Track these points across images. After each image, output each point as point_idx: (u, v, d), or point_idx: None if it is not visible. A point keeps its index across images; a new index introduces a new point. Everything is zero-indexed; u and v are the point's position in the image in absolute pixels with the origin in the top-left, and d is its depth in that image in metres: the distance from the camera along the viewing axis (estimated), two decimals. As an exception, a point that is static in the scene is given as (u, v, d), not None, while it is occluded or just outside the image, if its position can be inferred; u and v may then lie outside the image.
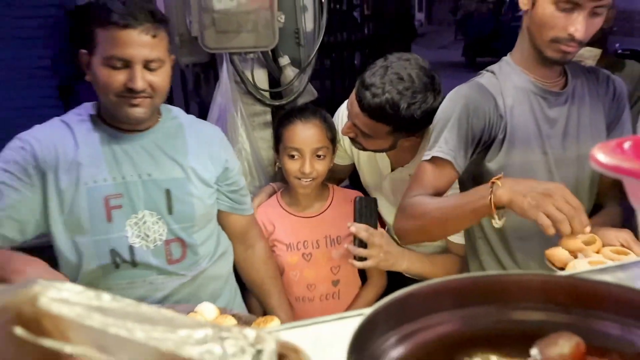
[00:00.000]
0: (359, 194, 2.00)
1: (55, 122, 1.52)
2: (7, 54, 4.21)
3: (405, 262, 1.72)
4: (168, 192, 1.50)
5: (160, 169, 1.50)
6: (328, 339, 0.69)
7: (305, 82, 2.17)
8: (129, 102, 1.40)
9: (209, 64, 2.19)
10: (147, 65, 1.39)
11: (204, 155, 1.57)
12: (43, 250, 1.63)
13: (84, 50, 1.43)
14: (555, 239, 1.31)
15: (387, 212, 1.95)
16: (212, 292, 1.61)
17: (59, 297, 0.46)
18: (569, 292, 0.61)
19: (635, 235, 1.42)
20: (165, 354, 0.46)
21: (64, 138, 1.47)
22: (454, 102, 1.49)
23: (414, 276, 1.81)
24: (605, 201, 1.59)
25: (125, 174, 1.47)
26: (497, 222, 1.27)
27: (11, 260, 1.27)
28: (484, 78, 1.54)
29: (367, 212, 1.69)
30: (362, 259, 1.65)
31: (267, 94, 2.16)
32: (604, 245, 1.33)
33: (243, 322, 1.37)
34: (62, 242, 1.47)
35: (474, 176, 1.54)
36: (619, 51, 4.93)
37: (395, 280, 1.94)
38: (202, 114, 2.25)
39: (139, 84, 1.37)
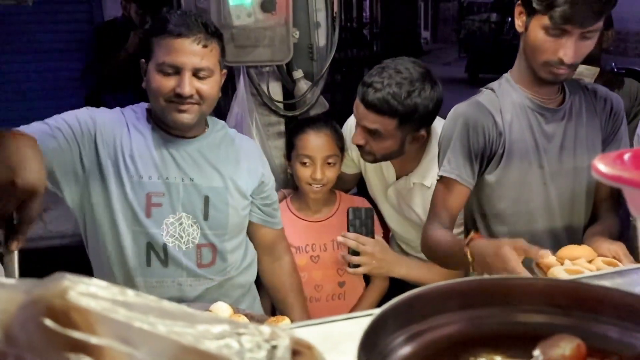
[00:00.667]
0: (364, 200, 2.01)
1: (117, 111, 1.55)
2: (39, 66, 4.27)
3: (402, 268, 1.71)
4: (207, 199, 1.51)
5: (202, 175, 1.52)
6: (338, 337, 0.69)
7: (317, 95, 2.17)
8: (177, 108, 1.43)
9: (227, 77, 2.20)
10: (196, 73, 1.42)
11: (243, 168, 1.58)
12: (76, 250, 1.65)
13: (143, 60, 1.48)
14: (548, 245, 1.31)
15: (392, 219, 1.94)
16: (235, 299, 1.60)
17: (87, 291, 0.46)
18: (571, 296, 0.60)
19: (630, 246, 1.40)
20: (185, 347, 0.46)
21: (122, 128, 1.49)
22: (453, 122, 1.49)
23: (413, 282, 1.79)
24: (602, 212, 1.57)
25: (170, 175, 1.49)
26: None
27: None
28: (483, 96, 1.53)
29: (359, 222, 1.69)
30: (356, 266, 1.64)
31: (281, 105, 2.16)
32: (598, 255, 1.32)
33: (256, 321, 1.37)
34: (102, 228, 1.46)
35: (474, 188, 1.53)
36: (614, 70, 4.90)
37: (398, 282, 1.93)
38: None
39: (187, 90, 1.40)
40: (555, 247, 1.55)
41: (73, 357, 0.41)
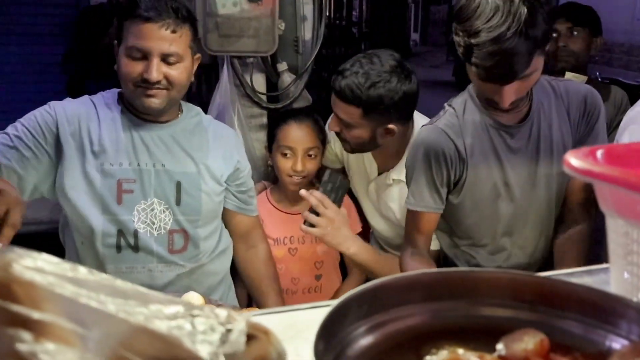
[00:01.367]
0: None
1: (85, 99, 1.53)
2: (22, 49, 4.20)
3: (353, 246, 1.67)
4: (179, 184, 1.50)
5: (174, 161, 1.51)
6: (302, 325, 0.67)
7: (301, 88, 2.16)
8: (145, 92, 1.42)
9: (210, 66, 2.17)
10: (164, 59, 1.41)
11: (218, 154, 1.58)
12: (52, 236, 1.62)
13: (115, 42, 1.47)
14: None
15: (372, 216, 1.93)
16: (208, 287, 1.59)
17: (34, 265, 0.44)
18: (536, 290, 0.59)
19: (603, 245, 1.40)
20: (135, 327, 0.44)
21: (90, 117, 1.48)
22: (415, 151, 1.49)
23: (359, 267, 1.77)
24: (575, 217, 1.53)
25: (141, 161, 1.48)
26: None
27: None
28: (445, 118, 1.48)
29: (332, 185, 1.65)
30: (312, 226, 1.61)
31: (264, 97, 2.14)
32: None
33: (227, 311, 1.35)
34: (72, 215, 1.46)
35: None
36: (599, 79, 4.93)
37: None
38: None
39: (154, 76, 1.39)
40: (528, 258, 1.56)
41: (11, 331, 0.39)
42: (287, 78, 2.15)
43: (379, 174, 1.83)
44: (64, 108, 1.47)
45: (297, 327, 0.66)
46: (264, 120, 2.17)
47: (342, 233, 1.65)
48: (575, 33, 2.23)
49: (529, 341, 0.55)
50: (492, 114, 1.44)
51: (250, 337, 0.49)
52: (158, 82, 1.41)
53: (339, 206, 1.65)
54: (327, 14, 2.21)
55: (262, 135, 2.15)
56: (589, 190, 1.51)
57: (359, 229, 1.98)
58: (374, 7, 6.10)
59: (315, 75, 2.22)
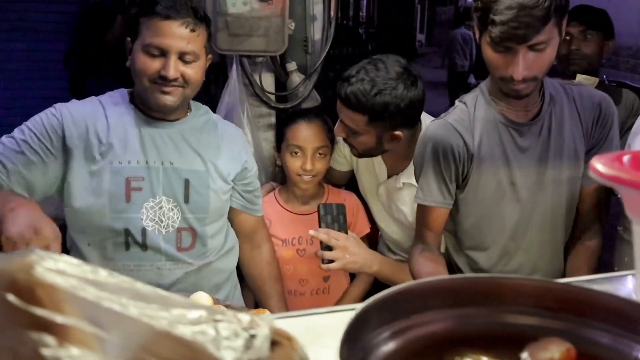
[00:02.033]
0: (351, 194, 1.99)
1: (92, 100, 1.53)
2: (27, 46, 4.20)
3: (375, 265, 1.69)
4: (187, 182, 1.50)
5: (182, 159, 1.50)
6: (319, 330, 0.67)
7: (310, 88, 2.14)
8: (161, 89, 1.42)
9: (219, 65, 2.17)
10: (182, 57, 1.41)
11: (226, 153, 1.58)
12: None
13: (128, 39, 1.47)
14: None
15: (381, 219, 1.92)
16: (214, 285, 1.59)
17: (55, 267, 0.43)
18: (562, 298, 0.58)
19: (616, 256, 1.39)
20: (158, 331, 0.43)
21: (97, 117, 1.47)
22: (423, 146, 1.48)
23: (384, 280, 1.77)
24: (585, 226, 1.52)
25: (149, 159, 1.47)
26: None
27: (7, 201, 1.24)
28: (455, 113, 1.48)
29: (332, 217, 1.67)
30: (330, 262, 1.61)
31: (272, 97, 2.13)
32: None
33: (235, 312, 1.34)
34: (79, 216, 1.45)
35: None
36: (605, 83, 4.90)
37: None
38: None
39: (172, 73, 1.39)
40: (534, 264, 1.53)
41: (35, 335, 0.38)
42: (296, 78, 2.13)
43: (389, 176, 1.83)
44: (70, 110, 1.47)
45: (314, 332, 0.65)
46: (272, 119, 2.16)
47: (361, 256, 1.65)
48: (588, 36, 2.22)
49: (555, 350, 0.54)
50: (503, 110, 1.43)
51: (273, 343, 0.48)
52: (175, 80, 1.41)
53: (346, 232, 1.65)
54: (334, 14, 2.20)
55: (270, 135, 2.14)
56: (600, 198, 1.50)
57: (368, 231, 1.97)
58: (381, 8, 6.09)
59: (321, 75, 2.21)
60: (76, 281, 0.43)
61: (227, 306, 1.36)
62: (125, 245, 1.46)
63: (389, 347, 0.56)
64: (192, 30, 1.41)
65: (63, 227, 1.58)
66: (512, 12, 1.23)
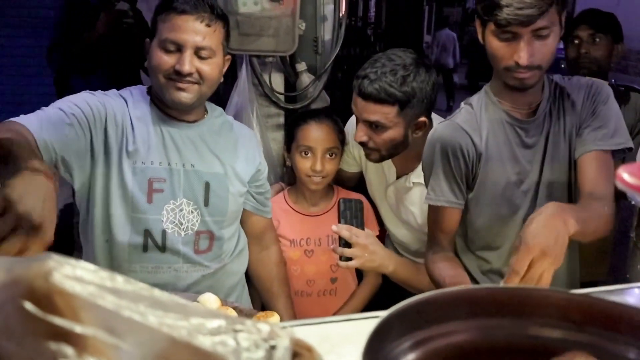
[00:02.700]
0: (361, 196, 1.97)
1: (117, 95, 1.49)
2: (34, 42, 4.19)
3: (391, 265, 1.67)
4: (207, 185, 1.49)
5: (203, 161, 1.49)
6: (336, 339, 0.65)
7: (319, 89, 2.13)
8: (176, 85, 1.40)
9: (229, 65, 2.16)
10: (197, 53, 1.40)
11: (242, 155, 1.57)
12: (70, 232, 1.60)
13: (147, 40, 1.46)
14: None
15: (389, 220, 1.91)
16: (228, 287, 1.58)
17: (73, 274, 0.42)
18: (586, 310, 0.57)
19: (628, 264, 1.36)
20: (177, 341, 0.42)
21: (124, 114, 1.45)
22: (432, 147, 1.48)
23: (399, 282, 1.75)
24: (589, 195, 1.40)
25: (171, 161, 1.46)
26: None
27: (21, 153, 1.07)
28: (461, 114, 1.49)
29: (351, 213, 1.64)
30: (348, 259, 1.59)
31: (282, 97, 2.12)
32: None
33: (244, 315, 1.33)
34: (99, 213, 1.44)
35: None
36: (615, 86, 4.86)
37: (390, 280, 1.90)
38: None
39: (186, 68, 1.37)
40: None
41: (53, 345, 0.37)
42: (305, 78, 2.12)
43: (398, 177, 1.81)
44: (110, 102, 1.43)
45: (331, 341, 0.64)
46: (281, 120, 2.15)
47: (379, 255, 1.64)
48: (597, 40, 2.22)
49: (581, 364, 0.53)
50: (508, 109, 1.45)
51: (294, 355, 0.46)
52: (190, 75, 1.39)
53: (363, 228, 1.64)
54: (344, 14, 2.19)
55: (278, 135, 2.13)
56: (600, 167, 1.44)
57: (376, 233, 1.95)
58: (390, 9, 6.06)
59: (330, 76, 2.19)
60: (94, 288, 0.42)
61: (235, 308, 1.35)
62: (144, 247, 1.44)
63: (410, 357, 0.54)
64: (208, 25, 1.40)
65: (64, 228, 1.57)
66: None
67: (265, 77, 2.07)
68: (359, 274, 1.98)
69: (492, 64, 1.41)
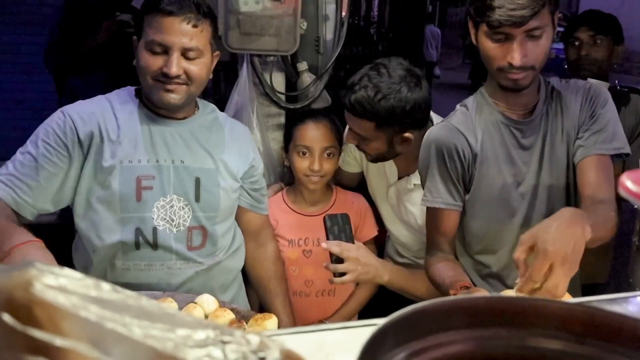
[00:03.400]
0: (360, 196, 1.96)
1: (100, 99, 1.51)
2: (40, 39, 4.18)
3: (386, 274, 1.65)
4: (198, 181, 1.48)
5: (192, 157, 1.49)
6: (330, 347, 0.64)
7: (320, 89, 2.11)
8: (164, 87, 1.40)
9: (229, 63, 2.14)
10: (185, 54, 1.39)
11: (234, 151, 1.56)
12: (62, 227, 1.60)
13: (135, 37, 1.45)
14: None
15: (390, 221, 1.90)
16: (222, 284, 1.58)
17: (56, 283, 0.41)
18: (587, 322, 0.55)
19: (631, 268, 1.34)
20: (162, 355, 0.40)
21: (106, 116, 1.46)
22: (427, 149, 1.48)
23: (396, 290, 1.74)
24: (591, 199, 1.39)
25: (160, 158, 1.46)
26: None
27: (8, 235, 1.25)
28: (456, 116, 1.49)
29: (338, 228, 1.62)
30: (342, 274, 1.58)
31: (283, 97, 2.11)
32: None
33: (241, 316, 1.32)
34: (86, 214, 1.44)
35: None
36: (617, 88, 4.84)
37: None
38: (219, 110, 2.19)
39: (174, 70, 1.37)
40: None
41: (31, 359, 0.35)
42: (306, 78, 2.11)
43: (399, 178, 1.80)
44: (78, 111, 1.45)
45: (325, 349, 0.63)
46: (282, 119, 2.13)
47: (373, 266, 1.62)
48: (597, 41, 2.21)
49: (580, 378, 0.51)
50: (503, 110, 1.44)
51: (284, 367, 0.45)
52: (177, 77, 1.39)
53: (353, 241, 1.62)
54: (346, 14, 2.17)
55: (279, 135, 2.12)
56: (601, 171, 1.42)
57: (375, 234, 1.94)
58: (393, 8, 6.04)
59: (332, 76, 2.18)
60: (78, 299, 0.40)
61: (232, 309, 1.34)
62: (136, 245, 1.44)
63: (405, 370, 0.53)
64: (195, 26, 1.38)
65: (63, 224, 1.57)
66: None
67: (266, 77, 2.06)
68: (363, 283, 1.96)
69: (486, 65, 1.40)
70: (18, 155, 1.42)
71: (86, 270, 1.49)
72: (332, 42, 2.15)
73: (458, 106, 1.53)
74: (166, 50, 1.38)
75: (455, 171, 1.44)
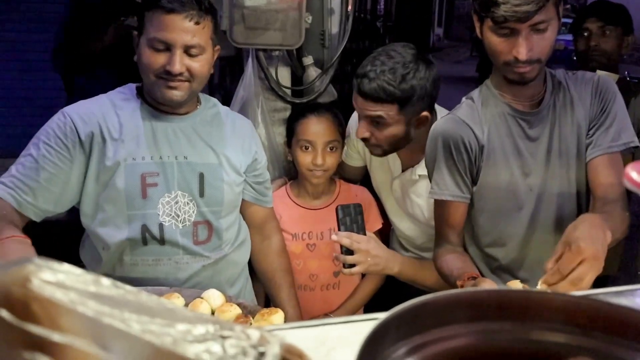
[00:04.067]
0: (364, 189, 1.96)
1: (101, 98, 1.51)
2: (49, 37, 4.18)
3: (396, 265, 1.65)
4: (201, 176, 1.49)
5: (196, 152, 1.50)
6: (333, 342, 0.63)
7: (326, 83, 2.10)
8: (167, 84, 1.40)
9: (234, 58, 2.14)
10: (187, 51, 1.39)
11: (237, 145, 1.57)
12: (69, 225, 1.61)
13: (135, 32, 1.45)
14: None
15: (395, 214, 1.89)
16: (229, 277, 1.58)
17: (54, 279, 0.40)
18: (593, 315, 0.54)
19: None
20: (160, 350, 0.40)
21: (108, 114, 1.46)
22: (434, 142, 1.48)
23: (406, 280, 1.73)
24: (603, 198, 1.40)
25: (163, 154, 1.46)
26: None
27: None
28: (462, 108, 1.49)
29: (350, 219, 1.62)
30: (351, 266, 1.57)
31: (288, 92, 2.10)
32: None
33: (248, 311, 1.32)
34: (94, 214, 1.45)
35: None
36: (627, 79, 4.80)
37: (394, 277, 1.87)
38: (225, 105, 2.19)
39: (177, 68, 1.37)
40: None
41: (28, 356, 0.35)
42: (312, 72, 2.10)
43: (403, 170, 1.79)
44: (79, 111, 1.45)
45: (328, 345, 0.62)
46: (288, 114, 2.13)
47: (383, 258, 1.62)
48: (607, 32, 2.19)
49: (585, 371, 0.50)
50: (510, 102, 1.43)
51: (284, 362, 0.45)
52: (180, 74, 1.39)
53: (364, 232, 1.62)
54: (351, 7, 2.16)
55: (285, 130, 2.11)
56: (613, 169, 1.41)
57: (379, 227, 1.93)
58: (399, 1, 6.01)
59: (338, 69, 2.17)
60: (76, 294, 0.40)
61: (239, 304, 1.34)
62: (143, 241, 1.45)
63: (407, 364, 0.52)
64: (197, 23, 1.38)
65: (72, 221, 1.57)
66: None
67: (272, 71, 2.05)
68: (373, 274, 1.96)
69: (492, 59, 1.40)
70: (21, 157, 1.43)
71: (95, 266, 1.50)
72: (337, 36, 2.14)
73: (464, 99, 1.52)
74: (168, 48, 1.38)
75: (462, 163, 1.44)
